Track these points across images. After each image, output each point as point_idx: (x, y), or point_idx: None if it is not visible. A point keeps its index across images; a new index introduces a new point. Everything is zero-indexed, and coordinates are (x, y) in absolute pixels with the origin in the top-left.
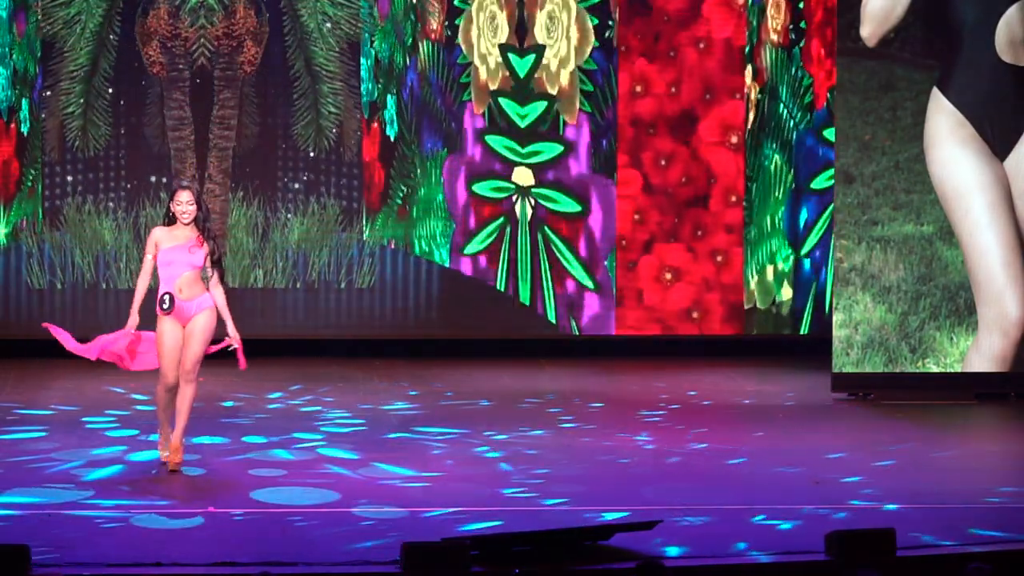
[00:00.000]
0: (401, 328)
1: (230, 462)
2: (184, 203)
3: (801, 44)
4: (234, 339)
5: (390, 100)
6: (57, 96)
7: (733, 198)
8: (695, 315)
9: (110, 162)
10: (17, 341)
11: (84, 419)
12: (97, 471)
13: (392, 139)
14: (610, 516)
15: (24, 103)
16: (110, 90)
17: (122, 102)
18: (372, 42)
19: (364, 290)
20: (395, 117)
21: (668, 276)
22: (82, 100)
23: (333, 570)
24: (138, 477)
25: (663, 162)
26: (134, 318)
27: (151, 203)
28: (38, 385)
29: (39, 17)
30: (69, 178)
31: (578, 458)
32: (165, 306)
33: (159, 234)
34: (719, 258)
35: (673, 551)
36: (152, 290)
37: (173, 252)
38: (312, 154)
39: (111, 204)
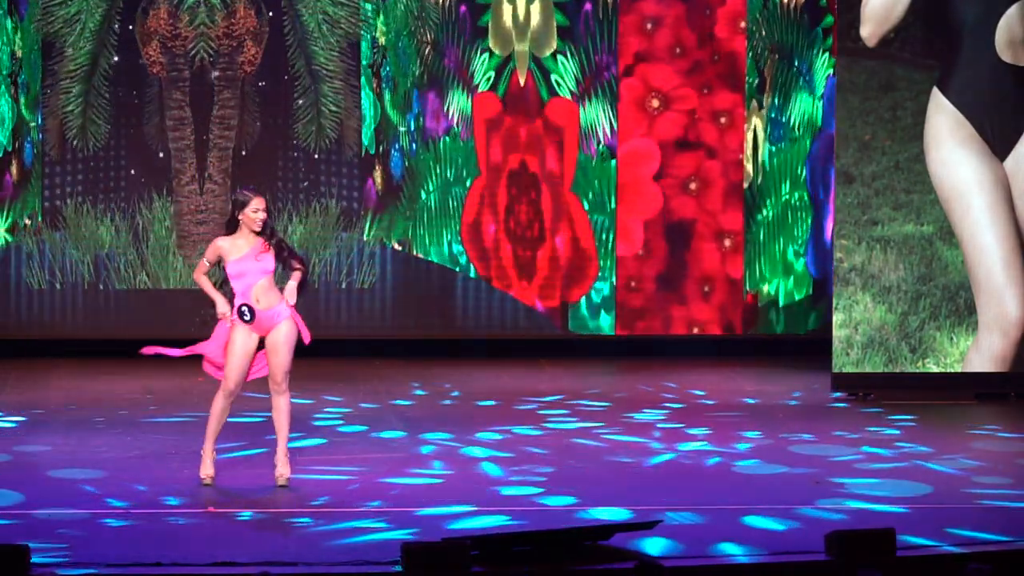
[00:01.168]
0: (401, 328)
1: (230, 462)
2: (262, 209)
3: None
4: (288, 296)
5: (393, 87)
6: (57, 96)
7: (742, 24)
8: (692, 186)
9: (110, 162)
10: (17, 341)
11: (84, 419)
12: (97, 471)
13: (393, 135)
14: (610, 516)
15: (6, 102)
16: (110, 90)
17: (122, 102)
18: (375, 48)
19: (364, 290)
20: (396, 116)
21: (655, 103)
22: (82, 100)
23: (333, 570)
24: (138, 477)
25: (649, 25)
26: (221, 303)
27: (150, 204)
28: (38, 385)
29: (39, 15)
30: (68, 178)
31: (578, 458)
32: (247, 318)
33: (224, 245)
34: (723, 119)
35: (672, 551)
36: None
37: (243, 263)
38: (313, 154)
39: (110, 204)
